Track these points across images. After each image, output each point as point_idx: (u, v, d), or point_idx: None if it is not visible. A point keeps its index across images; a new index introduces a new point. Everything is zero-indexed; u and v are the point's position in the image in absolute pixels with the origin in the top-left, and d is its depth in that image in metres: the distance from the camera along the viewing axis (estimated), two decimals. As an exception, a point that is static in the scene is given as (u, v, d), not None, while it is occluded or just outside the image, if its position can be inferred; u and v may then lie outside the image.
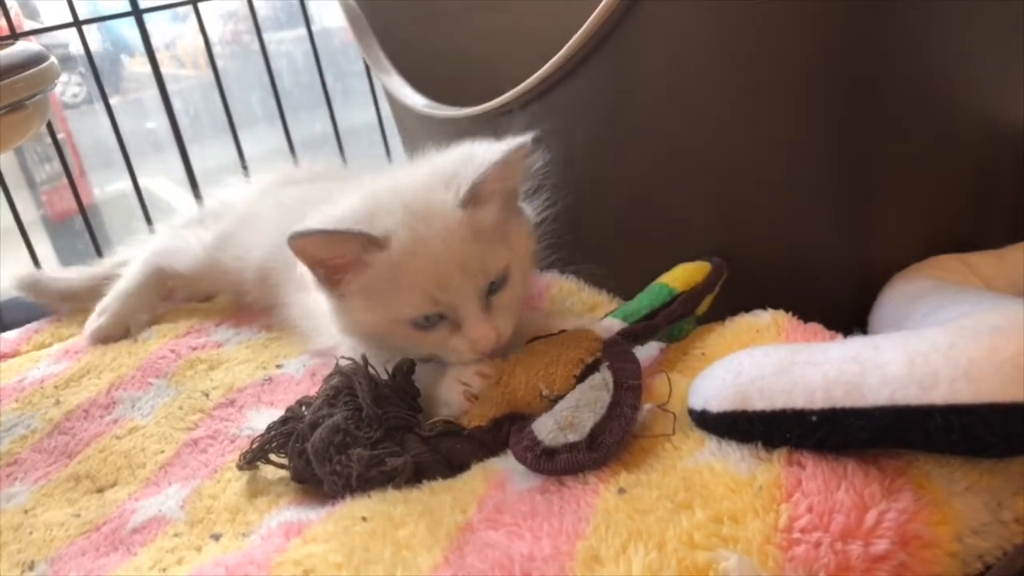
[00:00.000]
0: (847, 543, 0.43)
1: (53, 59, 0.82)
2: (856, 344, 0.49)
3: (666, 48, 0.63)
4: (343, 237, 0.63)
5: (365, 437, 0.59)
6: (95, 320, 1.00)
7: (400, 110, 1.09)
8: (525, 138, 0.64)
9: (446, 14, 1.12)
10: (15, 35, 1.15)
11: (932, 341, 0.46)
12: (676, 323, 0.65)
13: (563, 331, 0.64)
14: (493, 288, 0.65)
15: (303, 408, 0.65)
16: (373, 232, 0.63)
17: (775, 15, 0.58)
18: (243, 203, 1.05)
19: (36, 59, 0.78)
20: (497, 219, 0.66)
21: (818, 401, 0.47)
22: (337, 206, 0.68)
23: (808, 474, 0.47)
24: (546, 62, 0.71)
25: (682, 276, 0.67)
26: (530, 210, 0.76)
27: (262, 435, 0.65)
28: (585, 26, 0.65)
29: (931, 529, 0.45)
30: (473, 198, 0.64)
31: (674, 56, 0.63)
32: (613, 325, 0.62)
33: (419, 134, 1.09)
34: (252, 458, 0.64)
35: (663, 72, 0.65)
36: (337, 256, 0.64)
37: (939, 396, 0.44)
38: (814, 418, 0.47)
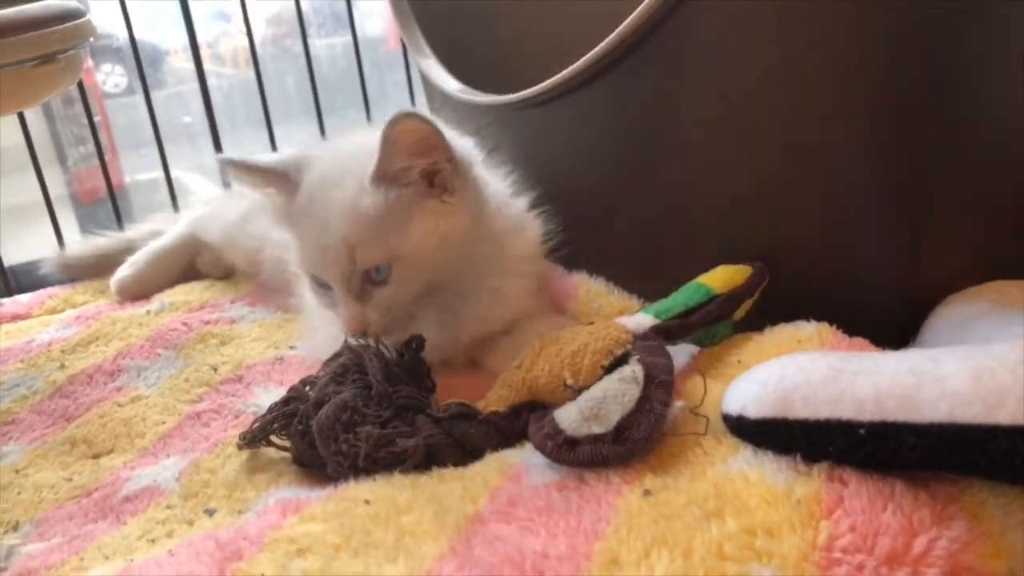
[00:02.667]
0: (893, 569, 0.39)
1: (89, 17, 0.81)
2: (913, 356, 0.46)
3: (711, 46, 0.60)
4: (257, 169, 0.66)
5: (374, 415, 0.55)
6: (121, 271, 1.03)
7: (435, 96, 1.08)
8: (402, 111, 0.61)
9: (487, 2, 1.10)
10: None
11: (1000, 357, 0.42)
12: (712, 326, 0.62)
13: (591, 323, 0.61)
14: (375, 278, 0.64)
15: (307, 388, 0.61)
16: (287, 172, 0.65)
17: (826, 18, 0.55)
18: None
19: (72, 14, 0.77)
20: (401, 205, 0.63)
21: (868, 413, 0.44)
22: (305, 144, 0.72)
23: (851, 492, 0.43)
24: (585, 54, 0.69)
25: (722, 277, 0.63)
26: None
27: (264, 415, 0.62)
28: (629, 20, 0.63)
29: (983, 562, 0.41)
30: (381, 179, 0.63)
31: (719, 56, 0.60)
32: (645, 321, 0.59)
33: (453, 123, 1.07)
34: (252, 438, 0.61)
35: (707, 72, 0.62)
36: (263, 187, 0.67)
37: (1006, 416, 0.40)
38: (862, 431, 0.44)
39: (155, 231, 1.10)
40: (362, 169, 0.63)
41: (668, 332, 0.58)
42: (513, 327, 0.73)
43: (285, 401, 0.62)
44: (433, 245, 0.64)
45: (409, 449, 0.53)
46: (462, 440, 0.55)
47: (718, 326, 0.62)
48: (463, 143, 0.68)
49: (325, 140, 0.76)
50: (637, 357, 0.54)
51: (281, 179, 0.66)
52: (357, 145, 0.67)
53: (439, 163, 0.64)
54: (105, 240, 1.12)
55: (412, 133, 0.62)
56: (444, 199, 0.65)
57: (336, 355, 0.63)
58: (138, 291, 1.01)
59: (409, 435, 0.54)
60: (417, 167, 0.63)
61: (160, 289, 1.01)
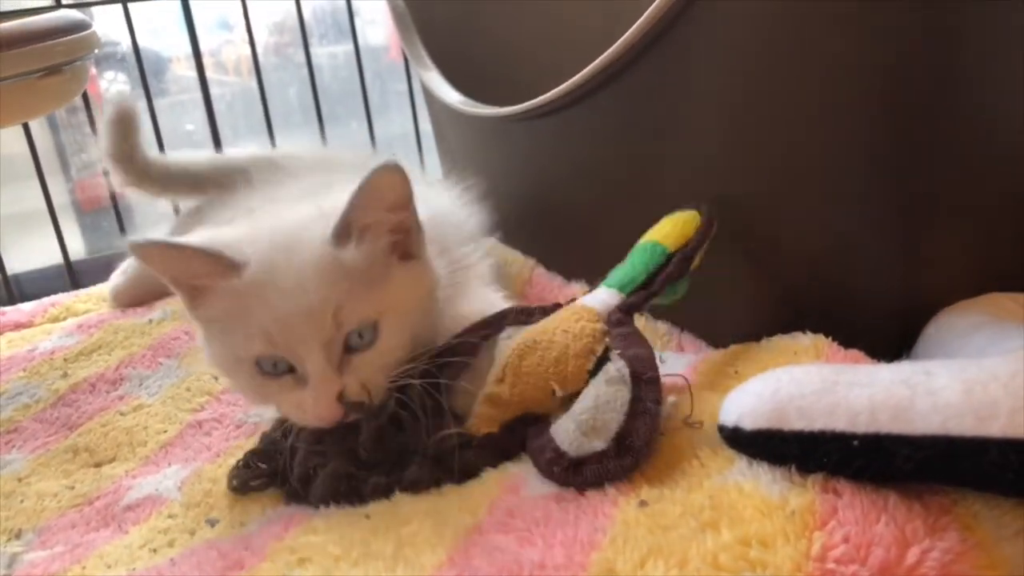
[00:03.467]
0: (886, 580, 0.40)
1: (94, 28, 0.82)
2: (906, 368, 0.46)
3: (719, 54, 0.61)
4: (191, 253, 0.56)
5: (371, 473, 0.54)
6: (114, 278, 1.03)
7: (437, 109, 1.09)
8: (387, 161, 0.56)
9: (489, 13, 1.11)
10: (60, 4, 1.15)
11: (992, 370, 0.43)
12: (671, 285, 0.60)
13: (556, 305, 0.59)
14: (356, 344, 0.57)
15: (281, 436, 0.60)
16: (229, 254, 0.56)
17: (823, 20, 0.55)
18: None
19: (77, 26, 0.78)
20: (373, 260, 0.58)
21: (862, 424, 0.44)
22: (222, 228, 0.62)
23: (845, 503, 0.44)
24: (588, 64, 0.69)
25: (673, 232, 0.61)
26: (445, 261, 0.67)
27: (240, 465, 0.60)
28: (629, 32, 0.63)
29: (976, 573, 0.41)
30: (344, 232, 0.57)
31: (727, 63, 0.61)
32: (611, 298, 0.57)
33: (454, 136, 1.08)
34: (243, 486, 0.60)
35: (714, 80, 0.62)
36: (191, 274, 0.57)
37: (997, 428, 0.41)
38: (856, 443, 0.44)
39: None
40: (323, 232, 0.57)
41: (634, 306, 0.57)
42: None
43: (265, 455, 0.60)
44: (415, 300, 0.61)
45: (419, 477, 0.53)
46: (463, 469, 0.54)
47: (678, 283, 0.61)
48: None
49: (234, 222, 0.66)
50: (618, 351, 0.53)
51: (219, 260, 0.56)
52: (300, 214, 0.62)
53: (407, 221, 0.61)
54: None
55: (393, 186, 0.58)
56: (408, 262, 0.61)
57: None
58: (133, 298, 1.02)
59: (415, 473, 0.53)
60: (386, 223, 0.59)
61: (155, 295, 1.01)
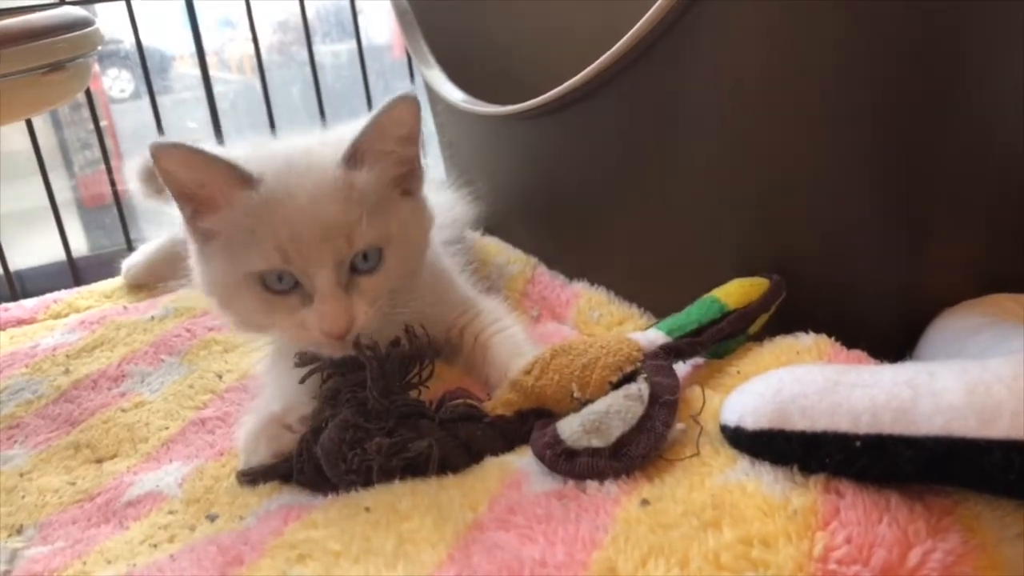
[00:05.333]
0: (888, 580, 0.40)
1: (97, 26, 0.82)
2: (909, 369, 0.46)
3: (721, 53, 0.61)
4: (209, 161, 0.57)
5: (378, 428, 0.55)
6: (133, 257, 1.06)
7: (440, 108, 1.08)
8: (406, 93, 0.59)
9: (492, 12, 1.11)
10: (63, 1, 1.15)
11: (995, 371, 0.42)
12: (724, 342, 0.61)
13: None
14: (361, 266, 0.60)
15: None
16: (246, 167, 0.58)
17: (824, 21, 0.55)
18: None
19: (80, 23, 0.78)
20: (380, 188, 0.60)
21: (864, 425, 0.44)
22: (235, 147, 0.65)
23: (847, 503, 0.44)
24: (590, 63, 0.69)
25: (737, 292, 0.63)
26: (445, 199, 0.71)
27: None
28: (632, 32, 0.63)
29: (979, 574, 0.41)
30: (354, 157, 0.60)
31: (729, 63, 0.61)
32: (657, 338, 0.59)
33: (457, 134, 1.08)
34: (253, 480, 0.60)
35: (716, 79, 0.62)
36: (202, 183, 0.59)
37: (999, 430, 0.41)
38: (858, 443, 0.44)
39: None
40: (334, 155, 0.60)
41: (678, 351, 0.59)
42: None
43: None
44: (415, 233, 0.64)
45: (423, 452, 0.52)
46: (468, 442, 0.55)
47: (731, 342, 0.62)
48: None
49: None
50: (645, 376, 0.54)
51: (234, 172, 0.58)
52: (314, 139, 0.65)
53: (414, 157, 0.63)
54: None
55: (408, 117, 0.61)
56: (409, 198, 0.64)
57: (324, 380, 0.61)
58: (145, 277, 1.05)
59: (418, 439, 0.54)
60: (396, 153, 0.61)
61: (167, 279, 1.01)
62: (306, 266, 0.57)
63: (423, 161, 0.65)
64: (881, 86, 0.56)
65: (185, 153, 0.57)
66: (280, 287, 0.59)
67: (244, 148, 0.64)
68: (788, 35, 0.57)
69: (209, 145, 0.60)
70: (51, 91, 0.79)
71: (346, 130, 0.63)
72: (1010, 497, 0.44)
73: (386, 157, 0.61)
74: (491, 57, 1.08)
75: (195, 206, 0.60)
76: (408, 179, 0.64)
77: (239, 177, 0.58)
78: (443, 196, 0.95)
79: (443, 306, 0.72)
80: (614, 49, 0.66)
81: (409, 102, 0.59)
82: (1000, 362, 0.43)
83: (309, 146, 0.63)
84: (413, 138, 0.62)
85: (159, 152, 0.57)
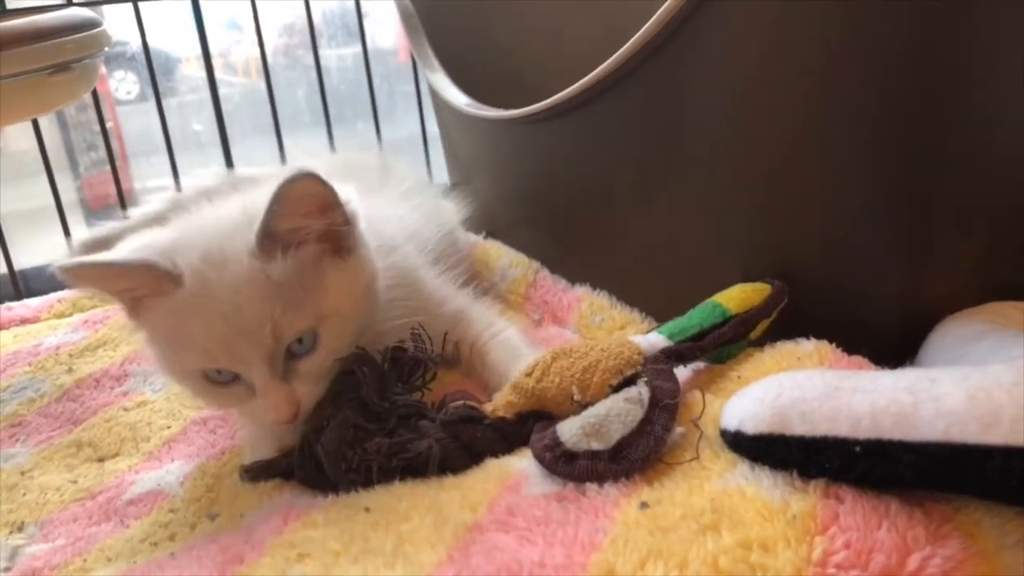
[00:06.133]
0: (887, 586, 0.40)
1: (104, 27, 0.82)
2: (910, 375, 0.46)
3: (729, 54, 0.61)
4: (122, 270, 0.55)
5: (378, 428, 0.55)
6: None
7: (444, 111, 1.09)
8: (299, 169, 0.54)
9: (496, 16, 1.11)
10: (70, 2, 1.16)
11: (996, 377, 0.42)
12: (725, 347, 0.61)
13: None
14: (297, 350, 0.57)
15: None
16: (163, 265, 0.55)
17: (822, 21, 0.55)
18: None
19: (87, 24, 0.79)
20: (303, 269, 0.57)
21: (864, 430, 0.44)
22: (146, 235, 0.61)
23: (847, 508, 0.43)
24: (595, 68, 0.70)
25: (738, 297, 0.63)
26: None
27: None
28: (637, 36, 0.63)
29: (978, 581, 0.41)
30: (268, 243, 0.55)
31: (737, 64, 0.61)
32: (658, 341, 0.59)
33: (461, 138, 1.08)
34: (254, 476, 0.60)
35: (714, 88, 0.63)
36: (124, 290, 0.57)
37: (1000, 436, 0.40)
38: (858, 448, 0.44)
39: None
40: (247, 240, 0.56)
41: (679, 355, 0.59)
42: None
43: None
44: (353, 298, 0.60)
45: (423, 452, 0.53)
46: (469, 444, 0.55)
47: (732, 347, 0.62)
48: (347, 191, 0.61)
49: (163, 223, 0.64)
50: (646, 379, 0.54)
51: (154, 274, 0.55)
52: (229, 216, 0.60)
53: (335, 225, 0.59)
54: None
55: (308, 196, 0.56)
56: (344, 258, 0.60)
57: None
58: None
59: (419, 439, 0.54)
60: (310, 229, 0.57)
61: None
62: (237, 364, 0.56)
63: (351, 213, 0.60)
64: (886, 89, 0.56)
65: (94, 269, 0.55)
66: (222, 379, 0.57)
67: (167, 232, 0.60)
68: (796, 36, 0.57)
69: (119, 249, 0.58)
70: (58, 92, 0.80)
71: (263, 194, 0.57)
72: (1010, 504, 0.44)
73: (301, 234, 0.57)
74: (495, 61, 1.09)
75: (130, 304, 0.58)
76: (337, 241, 0.60)
77: (159, 277, 0.55)
78: (428, 204, 0.94)
79: (434, 321, 0.69)
80: (619, 53, 0.66)
81: (301, 180, 0.55)
82: (1001, 368, 0.43)
83: (230, 225, 0.58)
84: (325, 209, 0.58)
85: (69, 275, 0.54)
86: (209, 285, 0.55)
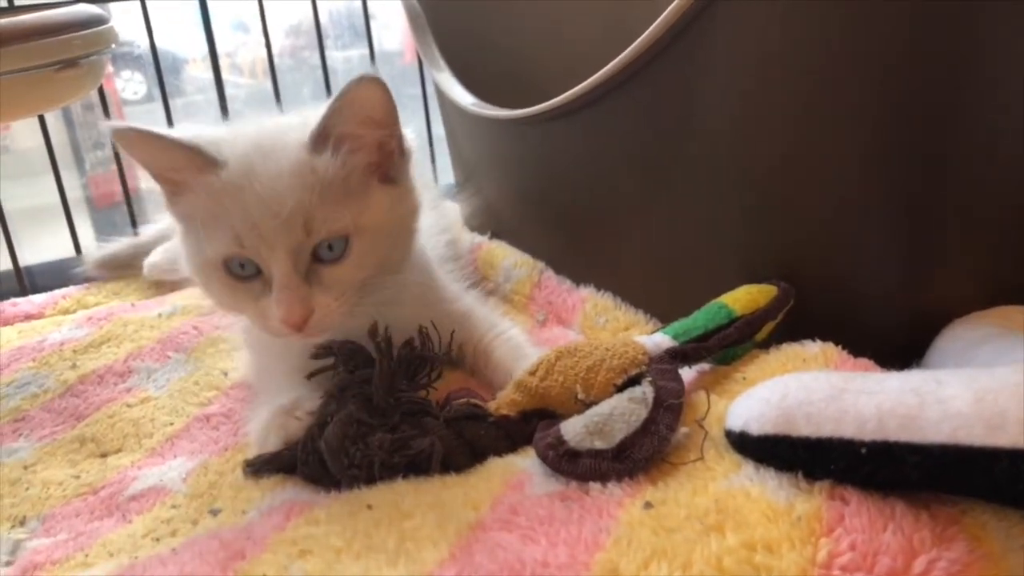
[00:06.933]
0: (892, 588, 0.39)
1: (111, 24, 0.83)
2: (916, 376, 0.46)
3: (733, 58, 0.61)
4: (169, 145, 0.56)
5: (381, 424, 0.55)
6: (155, 255, 1.07)
7: (450, 111, 1.09)
8: (366, 73, 0.56)
9: (503, 16, 1.11)
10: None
11: (1003, 379, 0.42)
12: (731, 348, 0.61)
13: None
14: (325, 256, 0.57)
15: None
16: (208, 150, 0.56)
17: (826, 19, 0.55)
18: None
19: (94, 20, 0.79)
20: (348, 174, 0.57)
21: (870, 432, 0.44)
22: (207, 127, 0.63)
23: (852, 510, 0.43)
24: (601, 67, 0.69)
25: (744, 298, 0.63)
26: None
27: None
28: (643, 36, 0.63)
29: (984, 584, 0.41)
30: (321, 141, 0.57)
31: (741, 68, 0.61)
32: (663, 342, 0.59)
33: (466, 138, 1.08)
34: (257, 470, 0.60)
35: (726, 84, 0.62)
36: (169, 167, 0.58)
37: (1008, 438, 0.40)
38: (864, 450, 0.44)
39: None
40: (300, 137, 0.58)
41: (684, 355, 0.59)
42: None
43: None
44: (391, 222, 0.60)
45: (426, 449, 0.52)
46: (472, 442, 0.55)
47: (737, 349, 0.62)
48: (408, 131, 0.64)
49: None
50: (650, 379, 0.54)
51: (197, 155, 0.56)
52: (283, 121, 0.63)
53: (389, 142, 0.60)
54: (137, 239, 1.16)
55: (372, 99, 0.57)
56: (390, 185, 0.61)
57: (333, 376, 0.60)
58: (168, 274, 1.05)
59: (421, 436, 0.54)
60: (365, 137, 0.58)
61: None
62: (262, 254, 0.56)
63: (406, 146, 0.62)
64: (890, 90, 0.56)
65: (142, 137, 0.56)
66: (243, 273, 0.57)
67: (223, 129, 0.62)
68: (800, 36, 0.57)
69: (178, 128, 0.59)
70: (64, 88, 0.80)
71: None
72: (1017, 507, 0.43)
73: (355, 141, 0.58)
74: (501, 61, 1.09)
75: (171, 187, 0.59)
76: (387, 165, 0.61)
77: (203, 160, 0.56)
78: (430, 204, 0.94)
79: (442, 318, 0.68)
80: (625, 53, 0.66)
81: (369, 84, 0.56)
82: (1008, 370, 0.43)
83: (284, 127, 0.60)
84: (384, 122, 0.59)
85: (118, 137, 0.56)
86: (252, 170, 0.56)
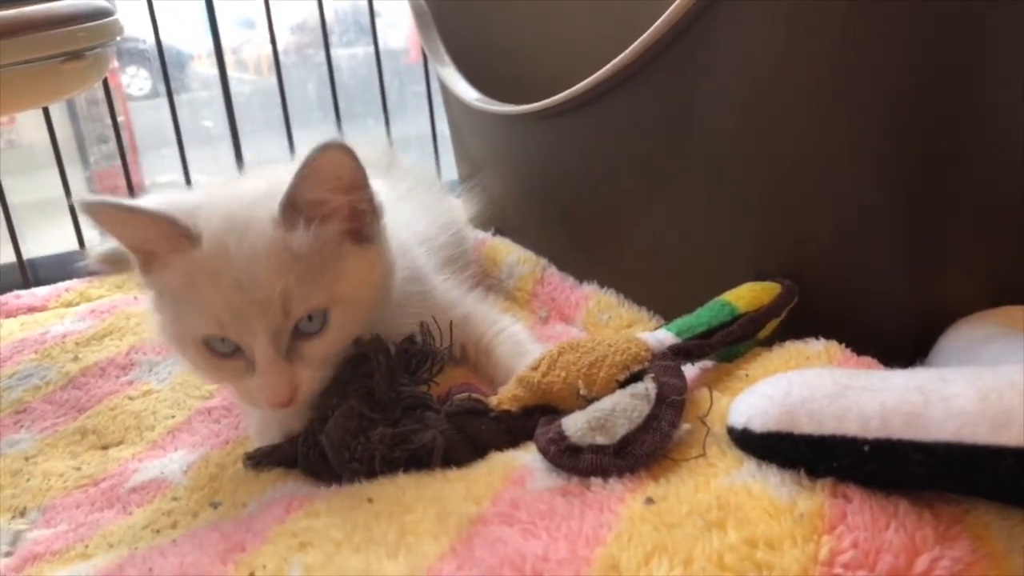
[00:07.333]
0: (894, 586, 0.39)
1: (117, 16, 0.83)
2: (920, 374, 0.45)
3: (739, 53, 0.61)
4: (143, 218, 0.54)
5: (383, 419, 0.55)
6: None
7: (454, 107, 1.09)
8: (331, 140, 0.54)
9: (507, 12, 1.11)
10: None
11: (1008, 378, 0.42)
12: (734, 345, 0.61)
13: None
14: (305, 329, 0.56)
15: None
16: (183, 222, 0.54)
17: (831, 17, 0.55)
18: None
19: (100, 12, 0.79)
20: (323, 245, 0.56)
21: (873, 430, 0.43)
22: (173, 195, 0.60)
23: (854, 508, 0.43)
24: (605, 64, 0.69)
25: (748, 296, 0.62)
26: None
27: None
28: (653, 28, 0.63)
29: (987, 584, 0.40)
30: (291, 212, 0.55)
31: (747, 63, 0.61)
32: (666, 338, 0.59)
33: (470, 134, 1.08)
34: (258, 462, 0.60)
35: (728, 83, 0.62)
36: (142, 239, 0.56)
37: (1012, 437, 0.40)
38: (867, 447, 0.43)
39: None
40: (272, 211, 0.56)
41: (687, 352, 0.58)
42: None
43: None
44: (369, 287, 0.59)
45: (427, 443, 0.52)
46: (473, 436, 0.55)
47: (740, 346, 0.62)
48: (377, 184, 0.62)
49: (194, 187, 0.66)
50: (652, 375, 0.54)
51: (173, 229, 0.55)
52: (256, 187, 0.60)
53: (360, 205, 0.58)
54: None
55: (337, 166, 0.55)
56: (365, 247, 0.59)
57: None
58: None
59: (423, 431, 0.54)
60: (335, 204, 0.57)
61: None
62: (242, 336, 0.55)
63: (378, 202, 0.60)
64: (898, 90, 0.55)
65: (114, 210, 0.55)
66: (224, 350, 0.56)
67: (195, 196, 0.60)
68: (806, 37, 0.57)
69: (150, 198, 0.57)
70: (69, 80, 0.80)
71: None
72: (1020, 506, 0.43)
73: (326, 209, 0.56)
74: (506, 57, 1.09)
75: (145, 257, 0.57)
76: (360, 226, 0.59)
77: (178, 233, 0.55)
78: (432, 201, 0.93)
79: (443, 325, 0.68)
80: (630, 50, 0.66)
81: (334, 151, 0.54)
82: (1014, 369, 0.43)
83: (255, 196, 0.58)
84: (353, 186, 0.57)
85: (89, 211, 0.54)
86: (227, 249, 0.54)
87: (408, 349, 0.60)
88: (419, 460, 0.53)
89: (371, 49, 1.46)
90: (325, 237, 0.56)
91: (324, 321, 0.56)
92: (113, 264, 1.13)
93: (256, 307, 0.54)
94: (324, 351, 0.57)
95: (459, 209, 1.04)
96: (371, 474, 0.52)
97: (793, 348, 0.60)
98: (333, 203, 0.57)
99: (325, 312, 0.56)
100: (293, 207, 0.55)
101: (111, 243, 1.15)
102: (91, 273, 1.13)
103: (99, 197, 0.55)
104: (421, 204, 0.88)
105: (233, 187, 0.62)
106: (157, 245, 0.56)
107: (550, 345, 0.61)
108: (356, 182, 0.57)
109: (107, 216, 0.55)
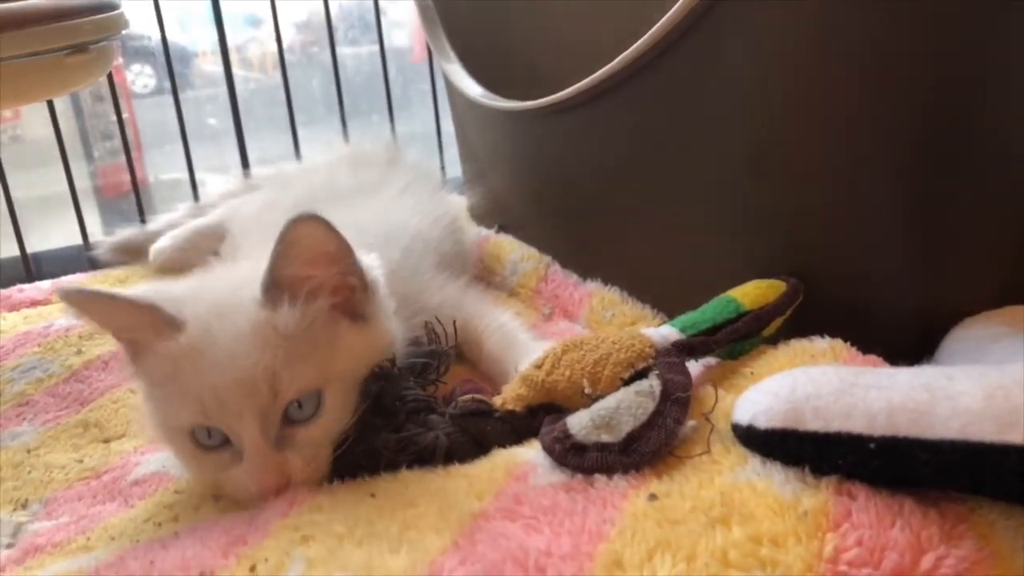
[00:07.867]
0: (899, 585, 0.39)
1: (122, 10, 0.83)
2: (927, 372, 0.45)
3: (744, 54, 0.60)
4: (123, 306, 0.53)
5: (386, 424, 0.55)
6: (162, 241, 1.08)
7: (459, 104, 1.09)
8: (303, 213, 0.51)
9: (513, 8, 1.11)
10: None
11: (1014, 376, 0.42)
12: (738, 343, 0.61)
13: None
14: (296, 416, 0.53)
15: None
16: (166, 309, 0.52)
17: (857, 27, 0.55)
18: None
19: (105, 6, 0.79)
20: (312, 323, 0.53)
21: (879, 427, 0.43)
22: (158, 284, 0.59)
23: (859, 506, 0.43)
24: (610, 60, 0.69)
25: (753, 293, 0.62)
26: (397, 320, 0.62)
27: None
28: (658, 25, 0.63)
29: (992, 583, 0.40)
30: (274, 290, 0.53)
31: (751, 63, 0.60)
32: (670, 334, 0.58)
33: (475, 131, 1.08)
34: None
35: (738, 79, 0.62)
36: (124, 328, 0.55)
37: (1018, 435, 0.40)
38: (872, 445, 0.43)
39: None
40: (254, 290, 0.54)
41: (692, 348, 0.58)
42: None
43: None
44: (366, 366, 0.56)
45: (429, 445, 0.52)
46: (478, 436, 0.54)
47: (745, 343, 0.61)
48: (370, 259, 0.60)
49: (185, 277, 0.63)
50: (657, 372, 0.54)
51: (158, 316, 0.52)
52: (238, 274, 0.58)
53: (347, 278, 0.56)
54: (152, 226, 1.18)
55: (312, 238, 0.53)
56: (360, 324, 0.57)
57: None
58: (173, 261, 1.06)
59: (426, 433, 0.54)
60: (319, 279, 0.54)
61: (192, 264, 1.02)
62: (228, 422, 0.52)
63: (369, 278, 0.58)
64: (905, 91, 0.55)
65: (94, 299, 0.53)
66: (211, 443, 0.53)
67: (181, 287, 0.58)
68: (810, 37, 0.57)
69: (137, 288, 0.56)
70: (74, 73, 0.80)
71: None
72: (1027, 506, 0.43)
73: (309, 284, 0.54)
74: (511, 54, 1.08)
75: (131, 347, 0.55)
76: (351, 303, 0.57)
77: (161, 320, 0.52)
78: (430, 198, 0.94)
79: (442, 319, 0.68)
80: (636, 46, 0.65)
81: (307, 223, 0.52)
82: (1019, 368, 0.43)
83: (239, 281, 0.56)
84: (335, 258, 0.55)
85: (67, 300, 0.52)
86: (210, 331, 0.52)
87: (413, 352, 0.60)
88: (423, 461, 0.53)
89: (375, 47, 1.46)
90: (313, 314, 0.54)
91: (318, 404, 0.54)
92: (122, 254, 1.14)
93: (240, 388, 0.51)
94: (319, 436, 0.54)
95: (459, 205, 1.04)
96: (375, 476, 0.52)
97: (798, 346, 0.60)
98: (316, 278, 0.54)
99: (319, 394, 0.53)
100: (275, 285, 0.53)
101: (122, 233, 1.16)
102: (94, 265, 1.13)
103: (77, 287, 0.53)
104: (417, 201, 0.89)
105: (219, 274, 0.62)
106: (141, 333, 0.54)
107: (552, 341, 0.60)
108: (337, 254, 0.55)
109: (89, 305, 0.53)
